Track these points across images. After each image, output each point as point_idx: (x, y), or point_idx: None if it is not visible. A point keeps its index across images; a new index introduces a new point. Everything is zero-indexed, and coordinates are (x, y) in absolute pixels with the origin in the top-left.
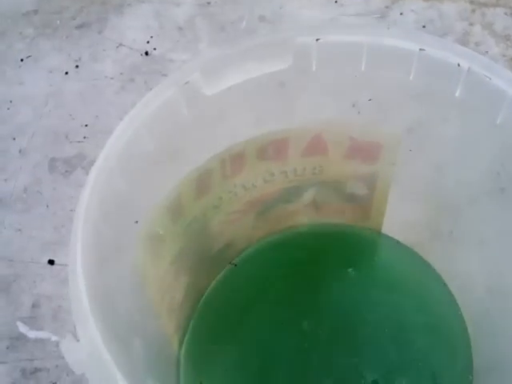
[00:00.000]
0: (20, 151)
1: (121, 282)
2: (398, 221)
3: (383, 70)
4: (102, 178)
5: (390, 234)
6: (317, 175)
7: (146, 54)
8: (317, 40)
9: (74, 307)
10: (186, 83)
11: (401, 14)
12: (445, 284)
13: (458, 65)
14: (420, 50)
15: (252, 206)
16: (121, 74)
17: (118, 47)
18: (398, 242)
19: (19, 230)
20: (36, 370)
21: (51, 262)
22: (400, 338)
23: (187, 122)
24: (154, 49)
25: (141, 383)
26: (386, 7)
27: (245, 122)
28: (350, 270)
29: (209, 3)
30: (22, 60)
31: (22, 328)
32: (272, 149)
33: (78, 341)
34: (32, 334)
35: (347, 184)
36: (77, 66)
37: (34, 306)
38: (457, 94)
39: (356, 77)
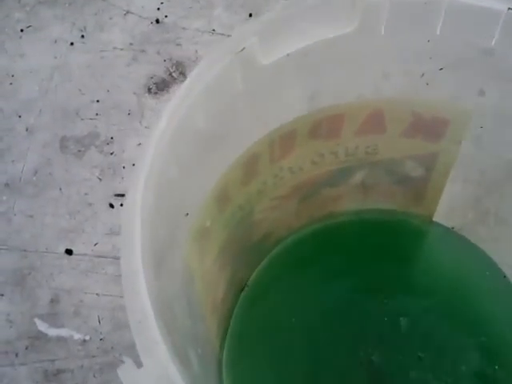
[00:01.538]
0: (27, 129)
1: (175, 284)
2: (451, 206)
3: (461, 34)
4: (157, 164)
5: (443, 221)
6: (369, 155)
7: (157, 21)
8: None
9: (133, 323)
10: (243, 50)
11: None
12: (505, 276)
13: None
14: (509, 9)
15: (296, 190)
16: (131, 44)
17: (125, 15)
18: (451, 228)
19: (31, 216)
20: (59, 372)
21: (69, 252)
22: (462, 330)
23: (241, 96)
24: (166, 16)
25: None
26: None
27: (299, 95)
28: (400, 261)
29: None
30: (21, 30)
31: (41, 326)
32: (326, 126)
33: (140, 367)
34: (52, 332)
35: (401, 165)
36: (82, 36)
37: (53, 301)
38: None
39: (429, 42)
